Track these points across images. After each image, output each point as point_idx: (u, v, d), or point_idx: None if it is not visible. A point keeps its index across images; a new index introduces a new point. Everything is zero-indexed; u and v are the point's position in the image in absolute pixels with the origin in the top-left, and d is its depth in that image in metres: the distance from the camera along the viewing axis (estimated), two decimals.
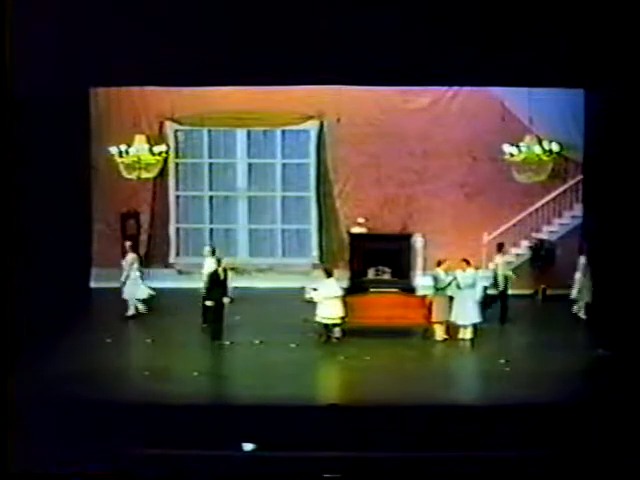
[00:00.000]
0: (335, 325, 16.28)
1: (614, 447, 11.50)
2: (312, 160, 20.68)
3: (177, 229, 21.11)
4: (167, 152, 20.01)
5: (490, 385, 14.41)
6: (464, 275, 16.38)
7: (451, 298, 16.43)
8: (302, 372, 14.75)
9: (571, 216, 20.00)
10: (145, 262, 20.08)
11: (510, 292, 17.89)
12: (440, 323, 16.46)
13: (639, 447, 11.48)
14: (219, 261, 16.60)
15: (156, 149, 19.10)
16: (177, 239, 21.09)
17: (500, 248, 18.25)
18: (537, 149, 18.18)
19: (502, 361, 14.98)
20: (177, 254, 21.04)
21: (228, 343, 16.12)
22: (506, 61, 13.75)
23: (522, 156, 18.28)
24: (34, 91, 13.61)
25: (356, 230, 19.80)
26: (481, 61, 13.67)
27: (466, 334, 16.37)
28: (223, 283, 16.43)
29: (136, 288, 17.71)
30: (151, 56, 13.61)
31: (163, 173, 20.55)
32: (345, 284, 18.42)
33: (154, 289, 18.03)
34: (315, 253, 20.80)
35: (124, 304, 17.74)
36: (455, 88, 19.50)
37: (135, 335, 17.02)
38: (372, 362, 15.06)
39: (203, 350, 15.85)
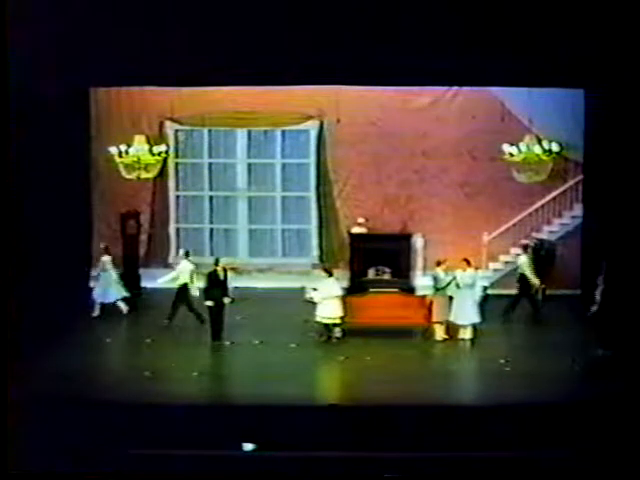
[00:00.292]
0: (335, 325, 16.29)
1: (614, 447, 11.51)
2: (312, 160, 20.67)
3: (177, 229, 21.11)
4: (167, 152, 19.99)
5: (490, 385, 14.41)
6: (463, 275, 16.39)
7: (451, 298, 16.44)
8: (302, 372, 14.75)
9: (571, 216, 19.98)
10: (145, 262, 20.15)
11: (510, 292, 17.90)
12: (440, 323, 16.46)
13: (639, 447, 11.48)
14: (192, 267, 17.15)
15: (156, 149, 19.08)
16: (177, 239, 21.08)
17: (525, 249, 18.22)
18: (537, 149, 18.16)
19: (502, 361, 14.98)
20: (177, 254, 21.00)
21: (228, 343, 16.12)
22: (506, 61, 13.75)
23: (522, 156, 18.26)
24: (34, 91, 13.60)
25: (356, 230, 19.80)
26: (481, 61, 13.66)
27: (466, 334, 16.37)
28: (223, 283, 16.43)
29: (107, 290, 17.72)
30: (151, 56, 13.61)
31: (163, 173, 20.53)
32: (345, 284, 18.45)
33: (154, 289, 18.05)
34: (315, 253, 20.80)
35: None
36: (455, 88, 19.48)
37: (135, 335, 17.02)
38: (372, 362, 15.06)
39: (203, 350, 15.85)
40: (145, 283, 19.35)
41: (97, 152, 19.70)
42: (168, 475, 11.14)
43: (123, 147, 18.51)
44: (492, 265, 19.89)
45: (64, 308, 16.33)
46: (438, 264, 16.70)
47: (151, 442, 11.60)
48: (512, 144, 18.31)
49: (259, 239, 21.12)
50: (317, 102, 19.74)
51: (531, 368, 14.54)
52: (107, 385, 13.68)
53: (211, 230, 21.11)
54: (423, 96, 19.94)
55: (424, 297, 16.87)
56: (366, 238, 19.58)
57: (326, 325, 16.22)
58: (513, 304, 17.60)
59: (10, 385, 11.54)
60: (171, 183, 20.92)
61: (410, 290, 18.60)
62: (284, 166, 20.89)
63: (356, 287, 18.54)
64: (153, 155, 19.00)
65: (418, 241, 20.04)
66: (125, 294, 17.98)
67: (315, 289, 16.45)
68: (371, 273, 19.35)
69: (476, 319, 16.35)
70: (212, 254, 19.67)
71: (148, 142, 19.13)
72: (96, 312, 17.79)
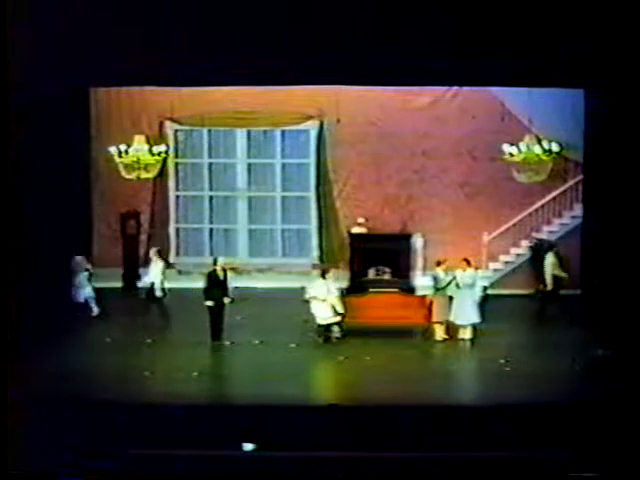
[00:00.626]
0: (330, 325, 16.26)
1: (614, 447, 11.51)
2: (312, 160, 20.67)
3: (177, 229, 21.11)
4: (167, 152, 19.99)
5: (490, 385, 14.42)
6: (463, 275, 16.39)
7: (451, 298, 16.44)
8: (302, 372, 14.77)
9: (571, 216, 19.99)
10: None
11: (510, 292, 17.92)
12: (440, 323, 16.47)
13: (639, 447, 11.48)
14: (162, 265, 17.41)
15: (155, 149, 19.08)
16: (177, 239, 21.10)
17: (550, 248, 18.23)
18: (537, 149, 18.15)
19: (502, 361, 14.99)
20: (177, 254, 21.04)
21: (228, 343, 16.13)
22: (506, 61, 13.75)
23: (522, 156, 18.25)
24: (34, 91, 13.60)
25: (356, 230, 19.80)
26: (481, 61, 13.65)
27: (466, 334, 16.37)
28: (223, 283, 16.43)
29: (82, 290, 17.73)
30: (151, 56, 13.60)
31: (163, 173, 20.53)
32: (345, 284, 18.45)
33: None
34: (315, 253, 20.81)
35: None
36: (455, 88, 19.49)
37: (135, 335, 17.01)
38: (372, 362, 15.06)
39: (203, 350, 15.85)
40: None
41: (97, 152, 19.72)
42: (168, 475, 11.13)
43: (123, 147, 18.50)
44: (492, 265, 19.88)
45: (64, 308, 16.35)
46: (438, 264, 16.70)
47: (151, 442, 11.60)
48: (512, 144, 18.30)
49: (259, 239, 21.12)
50: (317, 102, 19.74)
51: (531, 368, 14.54)
52: (107, 385, 13.66)
53: (211, 230, 21.12)
54: (423, 96, 19.95)
55: (424, 297, 16.87)
56: (366, 238, 19.58)
57: (320, 325, 16.22)
58: (544, 305, 17.52)
59: (10, 385, 11.54)
60: (171, 183, 20.93)
61: (410, 290, 18.60)
62: (284, 166, 20.89)
63: (356, 287, 18.54)
64: (153, 155, 18.98)
65: (418, 241, 20.05)
66: (92, 294, 17.85)
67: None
68: (371, 273, 19.34)
69: (476, 319, 16.34)
70: (212, 254, 19.66)
71: (148, 142, 19.13)
72: (95, 311, 17.80)
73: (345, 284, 18.48)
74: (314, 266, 20.20)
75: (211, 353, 15.90)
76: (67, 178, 17.01)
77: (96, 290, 17.85)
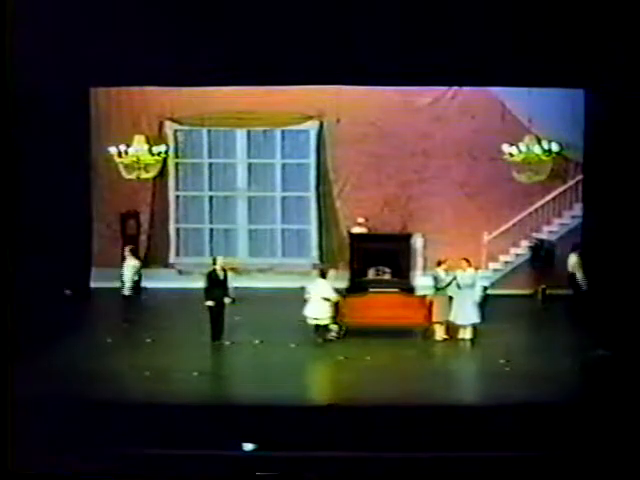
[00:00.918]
0: (324, 326, 16.24)
1: (614, 447, 11.50)
2: (312, 160, 20.69)
3: (177, 229, 21.13)
4: (166, 152, 20.01)
5: (490, 385, 14.41)
6: (463, 275, 16.39)
7: (451, 298, 16.44)
8: (302, 372, 14.77)
9: (571, 216, 20.01)
10: (145, 262, 20.14)
11: (510, 292, 17.93)
12: (440, 323, 16.46)
13: (639, 447, 11.48)
14: (134, 264, 17.32)
15: (155, 149, 19.09)
16: (177, 239, 21.11)
17: (575, 248, 18.22)
18: (537, 149, 18.17)
19: (502, 361, 14.98)
20: (177, 254, 21.05)
21: (228, 343, 16.12)
22: (506, 61, 13.75)
23: (522, 156, 18.28)
24: (34, 91, 13.61)
25: (356, 230, 19.80)
26: (481, 61, 13.66)
27: (466, 334, 16.37)
28: (223, 283, 16.42)
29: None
30: (151, 56, 13.60)
31: (163, 173, 20.56)
32: (345, 284, 18.45)
33: (154, 289, 18.07)
34: (315, 253, 20.82)
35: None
36: (455, 88, 19.51)
37: (135, 335, 17.01)
38: (372, 362, 15.05)
39: (203, 350, 15.84)
40: (145, 283, 19.32)
41: (97, 152, 19.74)
42: (168, 475, 11.13)
43: (123, 147, 18.51)
44: (492, 265, 19.89)
45: (64, 308, 16.34)
46: (438, 264, 16.69)
47: (151, 442, 11.60)
48: (512, 144, 18.32)
49: (259, 239, 21.14)
50: (317, 102, 19.76)
51: (531, 368, 14.53)
52: (107, 385, 13.66)
53: (211, 230, 21.13)
54: (423, 96, 19.97)
55: (424, 297, 16.86)
56: (366, 238, 19.58)
57: (317, 326, 16.22)
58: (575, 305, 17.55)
59: (10, 385, 11.54)
60: (171, 183, 20.94)
61: (410, 290, 18.58)
62: (284, 166, 20.90)
63: (356, 287, 18.53)
64: (153, 155, 19.01)
65: (418, 241, 20.05)
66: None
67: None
68: (371, 273, 19.32)
69: (476, 319, 16.34)
70: (212, 254, 19.64)
71: (148, 142, 19.14)
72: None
73: (345, 284, 18.48)
74: (314, 266, 20.22)
75: (211, 353, 15.89)
76: (67, 178, 17.03)
77: (96, 290, 17.87)
